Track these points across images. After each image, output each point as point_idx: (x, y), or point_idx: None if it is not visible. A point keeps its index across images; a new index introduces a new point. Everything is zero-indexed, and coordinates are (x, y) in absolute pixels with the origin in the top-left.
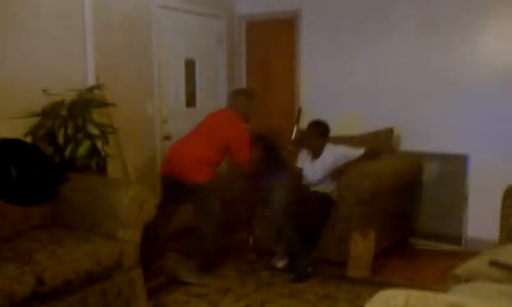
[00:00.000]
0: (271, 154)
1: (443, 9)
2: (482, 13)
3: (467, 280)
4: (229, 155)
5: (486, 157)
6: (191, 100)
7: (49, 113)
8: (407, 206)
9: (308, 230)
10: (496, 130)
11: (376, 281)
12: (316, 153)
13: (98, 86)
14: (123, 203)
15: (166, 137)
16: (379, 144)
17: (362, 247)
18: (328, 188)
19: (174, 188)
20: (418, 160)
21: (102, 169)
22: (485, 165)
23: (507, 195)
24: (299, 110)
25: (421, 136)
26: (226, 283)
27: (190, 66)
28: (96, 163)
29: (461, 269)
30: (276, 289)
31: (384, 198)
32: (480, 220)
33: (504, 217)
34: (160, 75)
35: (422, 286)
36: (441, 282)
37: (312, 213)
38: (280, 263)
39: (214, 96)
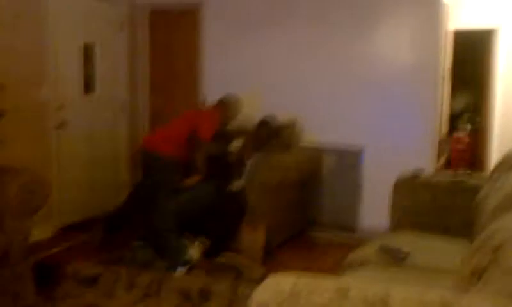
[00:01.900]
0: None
1: (343, 6)
2: (380, 10)
3: (358, 266)
4: (196, 131)
5: (379, 151)
6: (89, 86)
7: None
8: (307, 198)
9: (223, 228)
10: (389, 125)
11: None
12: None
13: None
14: (10, 191)
15: (61, 125)
16: (283, 136)
17: (251, 239)
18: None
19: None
20: (318, 153)
21: None
22: (378, 159)
23: (396, 186)
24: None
25: (320, 128)
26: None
27: (88, 50)
28: None
29: (352, 257)
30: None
31: (287, 190)
32: (373, 211)
33: (393, 207)
34: (56, 59)
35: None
36: (335, 270)
37: (227, 213)
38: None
39: (114, 82)
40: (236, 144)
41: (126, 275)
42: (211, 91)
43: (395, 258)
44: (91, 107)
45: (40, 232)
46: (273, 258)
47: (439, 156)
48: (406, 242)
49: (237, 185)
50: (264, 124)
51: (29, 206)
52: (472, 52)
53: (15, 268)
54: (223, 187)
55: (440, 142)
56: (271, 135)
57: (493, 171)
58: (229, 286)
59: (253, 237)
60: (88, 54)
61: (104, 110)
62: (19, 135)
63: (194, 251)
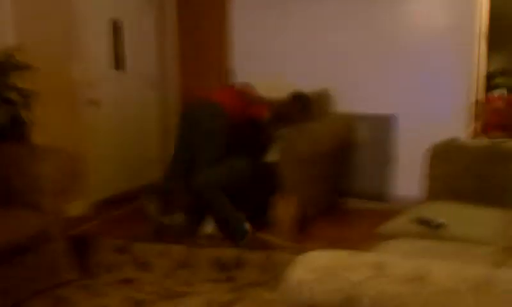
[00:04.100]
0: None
1: None
2: None
3: (392, 237)
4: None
5: (413, 117)
6: (119, 63)
7: None
8: (339, 168)
9: (258, 201)
10: (423, 91)
11: (298, 247)
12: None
13: (16, 48)
14: (45, 170)
15: (93, 102)
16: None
17: (283, 211)
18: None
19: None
20: (350, 121)
21: (25, 137)
22: (411, 126)
23: (430, 154)
24: (230, 72)
25: (351, 97)
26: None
27: (117, 27)
28: (19, 130)
29: (386, 227)
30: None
31: (319, 161)
32: (407, 180)
33: (427, 176)
34: (85, 36)
35: (348, 247)
36: (367, 241)
37: (260, 186)
38: (209, 229)
39: (144, 58)
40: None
41: (160, 247)
42: (240, 65)
43: (430, 229)
44: (121, 83)
45: (75, 207)
46: (307, 230)
47: (475, 121)
48: (441, 211)
49: (270, 158)
50: (295, 99)
51: (64, 185)
52: (510, 9)
53: (54, 245)
54: (258, 160)
55: (476, 106)
56: (303, 108)
57: None
58: (264, 257)
59: (285, 209)
60: (116, 30)
61: (134, 86)
62: (52, 114)
63: (247, 222)
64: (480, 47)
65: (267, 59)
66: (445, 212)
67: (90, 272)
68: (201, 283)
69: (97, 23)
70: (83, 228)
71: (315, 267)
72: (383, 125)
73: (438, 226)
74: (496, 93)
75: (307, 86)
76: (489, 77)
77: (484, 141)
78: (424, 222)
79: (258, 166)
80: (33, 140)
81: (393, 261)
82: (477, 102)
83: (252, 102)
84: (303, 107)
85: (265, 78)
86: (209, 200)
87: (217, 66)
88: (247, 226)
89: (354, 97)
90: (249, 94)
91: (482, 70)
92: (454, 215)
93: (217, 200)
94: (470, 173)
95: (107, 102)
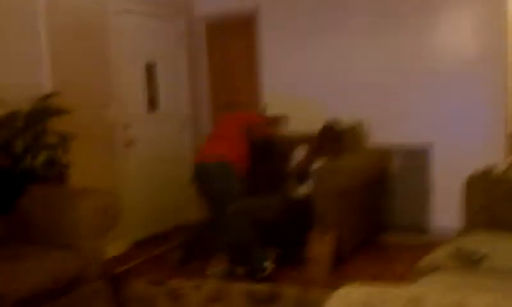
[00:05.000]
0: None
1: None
2: (439, 1)
3: (432, 271)
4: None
5: (448, 147)
6: (153, 104)
7: (4, 123)
8: (376, 201)
9: (292, 237)
10: (457, 120)
11: (335, 283)
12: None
13: (54, 93)
14: (84, 212)
15: (128, 143)
16: (347, 139)
17: (319, 247)
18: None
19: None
20: (386, 154)
21: (63, 179)
22: (447, 155)
23: (468, 183)
24: (263, 108)
25: (384, 128)
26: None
27: (151, 69)
28: (57, 172)
29: (425, 261)
30: None
31: (355, 194)
32: (445, 211)
33: (466, 206)
34: (120, 80)
35: (386, 283)
36: (408, 275)
37: (295, 221)
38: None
39: (176, 99)
40: (299, 152)
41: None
42: (271, 99)
43: (470, 261)
44: (155, 124)
45: (113, 248)
46: (344, 265)
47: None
48: (481, 242)
49: (301, 191)
50: (327, 129)
51: (101, 226)
52: None
53: (93, 286)
54: (289, 195)
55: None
56: (335, 139)
57: None
58: (298, 291)
59: (322, 245)
60: (150, 71)
61: (168, 126)
62: (89, 156)
63: (268, 261)
64: None
65: (298, 93)
66: (485, 243)
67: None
68: None
69: (132, 67)
70: (122, 269)
71: (350, 302)
72: (419, 156)
73: (479, 258)
74: None
75: (341, 118)
76: None
77: None
78: (464, 254)
79: (292, 201)
80: (71, 182)
81: (430, 295)
82: None
83: (255, 125)
84: (334, 138)
85: (297, 111)
86: (236, 227)
87: (249, 103)
88: (267, 264)
89: (389, 128)
90: (251, 119)
91: None
92: (495, 245)
93: (243, 229)
94: (509, 201)
95: (142, 142)
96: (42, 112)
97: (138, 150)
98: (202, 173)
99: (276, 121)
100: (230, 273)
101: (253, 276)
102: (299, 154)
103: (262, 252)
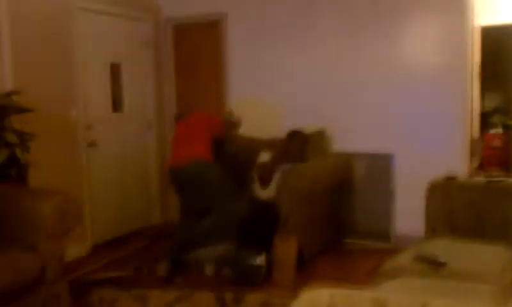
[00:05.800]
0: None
1: (365, 10)
2: (403, 11)
3: (393, 276)
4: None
5: (410, 155)
6: (117, 105)
7: None
8: (339, 206)
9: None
10: (419, 128)
11: (298, 286)
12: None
13: (15, 92)
14: (44, 212)
15: (91, 144)
16: (311, 145)
17: (283, 251)
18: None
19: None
20: (348, 160)
21: (22, 178)
22: (409, 163)
23: (429, 191)
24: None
25: (348, 136)
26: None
27: (115, 70)
28: (17, 172)
29: (388, 266)
30: None
31: (319, 199)
32: (407, 217)
33: (428, 212)
34: (84, 80)
35: (350, 286)
36: (370, 279)
37: (262, 221)
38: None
39: (141, 100)
40: (264, 156)
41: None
42: (237, 103)
43: (431, 267)
44: (119, 125)
45: (74, 251)
46: (307, 268)
47: (471, 157)
48: (442, 248)
49: (264, 195)
50: (294, 135)
51: (62, 227)
52: (503, 49)
53: (52, 288)
54: (253, 198)
55: (472, 143)
56: (302, 144)
57: None
58: (262, 295)
59: (285, 248)
60: (114, 72)
61: (132, 127)
62: (51, 155)
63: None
64: (474, 86)
65: (263, 98)
66: (446, 249)
67: None
68: None
69: (96, 67)
70: (82, 271)
71: (315, 305)
72: (381, 163)
73: (441, 264)
74: (493, 131)
75: (304, 125)
76: (486, 115)
77: (482, 177)
78: (425, 260)
79: (255, 204)
80: (32, 182)
81: (393, 298)
82: (472, 139)
83: (216, 127)
84: (299, 145)
85: (261, 116)
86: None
87: (214, 105)
88: (260, 260)
89: (352, 136)
90: (213, 122)
91: (477, 108)
92: (455, 251)
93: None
94: (470, 208)
95: (105, 143)
96: (2, 110)
97: (101, 151)
98: (182, 176)
99: (233, 124)
100: (216, 273)
101: (245, 278)
102: (263, 157)
103: (251, 251)
